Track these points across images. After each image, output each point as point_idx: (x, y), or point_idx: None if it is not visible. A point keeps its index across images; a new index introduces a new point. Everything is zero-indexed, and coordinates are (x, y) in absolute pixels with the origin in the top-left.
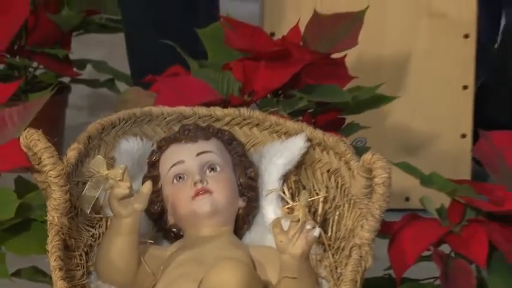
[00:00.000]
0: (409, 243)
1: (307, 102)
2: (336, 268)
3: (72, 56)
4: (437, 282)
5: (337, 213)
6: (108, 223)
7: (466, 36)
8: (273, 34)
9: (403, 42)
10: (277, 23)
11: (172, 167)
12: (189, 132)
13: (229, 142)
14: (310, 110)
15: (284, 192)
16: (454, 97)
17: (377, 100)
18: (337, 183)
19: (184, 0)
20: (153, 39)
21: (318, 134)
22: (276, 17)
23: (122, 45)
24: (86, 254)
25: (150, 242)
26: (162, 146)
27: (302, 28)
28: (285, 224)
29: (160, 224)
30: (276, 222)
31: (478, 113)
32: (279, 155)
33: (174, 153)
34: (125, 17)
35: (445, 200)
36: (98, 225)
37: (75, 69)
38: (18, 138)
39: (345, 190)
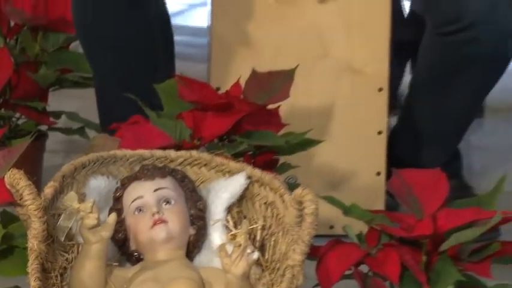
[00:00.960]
0: (333, 264)
1: (247, 145)
2: (272, 285)
3: (49, 108)
4: None
5: (273, 239)
6: (80, 249)
7: (380, 89)
8: (218, 89)
9: (328, 95)
10: (221, 80)
11: (133, 201)
12: (148, 172)
13: (182, 179)
14: (249, 152)
15: (228, 222)
16: (371, 141)
17: (306, 143)
18: (273, 214)
19: (146, 61)
20: (118, 94)
21: (256, 172)
22: (220, 74)
23: (92, 99)
24: (61, 275)
25: (115, 264)
26: (125, 183)
27: (243, 84)
28: (229, 248)
29: (124, 249)
30: (222, 247)
31: (390, 154)
32: (223, 190)
33: (135, 190)
34: (94, 75)
35: (363, 228)
36: (71, 251)
37: (51, 119)
38: (3, 177)
39: (279, 219)
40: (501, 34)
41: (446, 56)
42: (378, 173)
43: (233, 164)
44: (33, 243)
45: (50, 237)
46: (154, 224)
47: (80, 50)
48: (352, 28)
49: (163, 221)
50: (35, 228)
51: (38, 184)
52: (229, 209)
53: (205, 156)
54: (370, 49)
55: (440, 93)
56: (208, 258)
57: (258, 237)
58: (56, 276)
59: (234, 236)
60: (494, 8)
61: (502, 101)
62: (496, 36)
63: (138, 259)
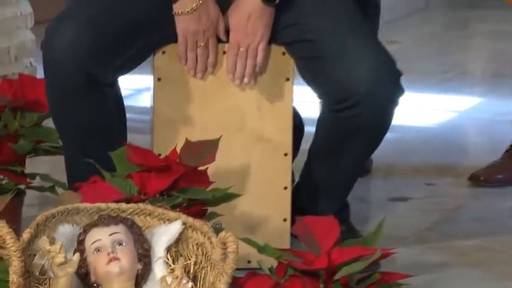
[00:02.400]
0: None
1: (182, 199)
2: None
3: (26, 171)
4: None
5: (203, 272)
6: (51, 282)
7: (286, 154)
8: (159, 155)
9: (245, 159)
10: (162, 148)
11: (93, 243)
12: (104, 220)
13: (131, 226)
14: (184, 204)
15: (168, 259)
16: (278, 194)
17: (228, 197)
18: (203, 252)
19: (103, 134)
20: (81, 160)
21: (190, 220)
22: (161, 144)
23: (60, 164)
24: None
25: None
26: (86, 229)
27: (179, 150)
28: (169, 280)
29: (86, 281)
30: (163, 279)
31: (294, 205)
32: (164, 234)
33: (94, 234)
34: (63, 145)
35: (274, 262)
36: (44, 283)
37: (28, 180)
38: None
39: (208, 257)
40: (382, 109)
41: (337, 127)
42: (285, 219)
43: (171, 214)
44: (14, 277)
45: (27, 272)
46: (110, 261)
47: (51, 125)
48: (263, 107)
49: (116, 259)
50: (15, 266)
51: (17, 231)
52: (168, 249)
53: (149, 207)
54: (277, 123)
55: (332, 157)
56: None
57: (191, 271)
58: None
59: (172, 270)
60: (377, 89)
61: (380, 160)
62: (378, 111)
63: None
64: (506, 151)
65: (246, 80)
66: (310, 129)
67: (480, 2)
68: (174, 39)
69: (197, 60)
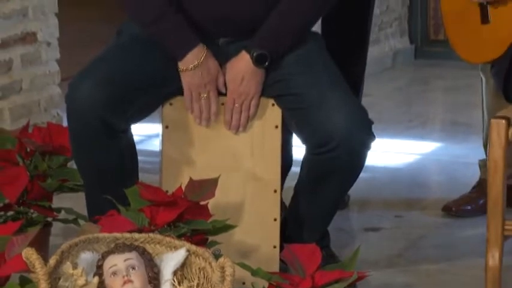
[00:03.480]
0: None
1: (187, 229)
2: None
3: (53, 206)
4: None
5: None
6: None
7: (275, 191)
8: (167, 191)
9: (239, 195)
10: (169, 186)
11: (110, 268)
12: (120, 248)
13: (143, 252)
14: (188, 234)
15: (174, 281)
16: (269, 225)
17: (226, 228)
18: (204, 275)
19: (119, 175)
20: (100, 196)
21: (193, 247)
22: (168, 182)
23: (82, 199)
24: None
25: None
26: (104, 256)
27: (183, 188)
28: None
29: None
30: None
31: (282, 233)
32: (171, 259)
33: (111, 260)
34: (84, 184)
35: (265, 284)
36: None
37: (55, 213)
38: (21, 253)
39: (208, 279)
40: (357, 152)
41: (318, 168)
42: (274, 247)
43: (177, 242)
44: None
45: None
46: (124, 283)
47: (74, 166)
48: (255, 150)
49: (130, 281)
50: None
51: (45, 257)
52: (174, 273)
53: (158, 237)
54: (267, 164)
55: (314, 193)
56: None
57: None
58: None
59: None
60: (352, 135)
61: (356, 195)
62: (353, 154)
63: None
64: (474, 187)
65: (240, 129)
66: (296, 170)
67: (440, 62)
68: (179, 92)
69: (201, 110)
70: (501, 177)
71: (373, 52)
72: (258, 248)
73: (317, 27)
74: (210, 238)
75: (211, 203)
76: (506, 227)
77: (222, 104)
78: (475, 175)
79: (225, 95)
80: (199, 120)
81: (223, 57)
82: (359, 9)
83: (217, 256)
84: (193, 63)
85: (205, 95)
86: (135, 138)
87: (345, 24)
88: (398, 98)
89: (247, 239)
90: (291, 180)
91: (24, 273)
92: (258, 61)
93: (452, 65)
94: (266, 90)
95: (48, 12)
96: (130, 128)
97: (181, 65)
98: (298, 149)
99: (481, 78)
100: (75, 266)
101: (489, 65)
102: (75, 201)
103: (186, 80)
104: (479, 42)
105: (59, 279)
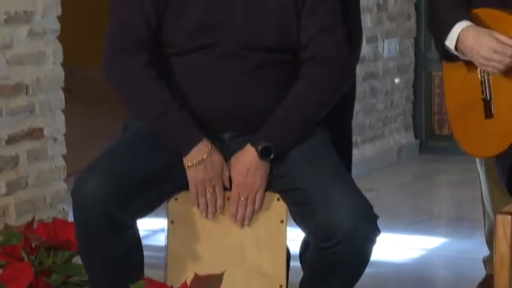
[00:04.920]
0: None
1: None
2: None
3: None
4: None
5: None
6: None
7: (280, 286)
8: (172, 286)
9: None
10: (174, 281)
11: None
12: None
13: None
14: None
15: None
16: None
17: None
18: None
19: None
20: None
21: None
22: (173, 277)
23: None
24: None
25: None
26: None
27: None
28: None
29: None
30: None
31: None
32: None
33: None
34: (89, 279)
35: None
36: None
37: None
38: None
39: None
40: (362, 247)
41: (323, 263)
42: None
43: None
44: None
45: None
46: None
47: (80, 262)
48: (261, 245)
49: None
50: None
51: None
52: None
53: None
54: (273, 259)
55: (321, 285)
56: None
57: None
58: None
59: None
60: (357, 230)
61: None
62: (358, 249)
63: None
64: (480, 283)
65: (246, 222)
66: (298, 264)
67: (444, 157)
68: (185, 187)
69: (207, 204)
70: (508, 273)
71: (378, 147)
72: None
73: None
74: None
75: None
76: None
77: (228, 198)
78: (481, 271)
79: (231, 189)
80: (205, 214)
81: (228, 152)
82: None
83: None
84: (198, 158)
85: (210, 190)
86: (141, 233)
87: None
88: (403, 192)
89: None
90: (296, 275)
91: None
92: (263, 154)
93: (457, 160)
94: (271, 185)
95: (55, 108)
96: (136, 223)
97: (186, 161)
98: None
99: (478, 173)
100: None
101: (486, 159)
102: None
103: (191, 175)
104: (483, 136)
105: None
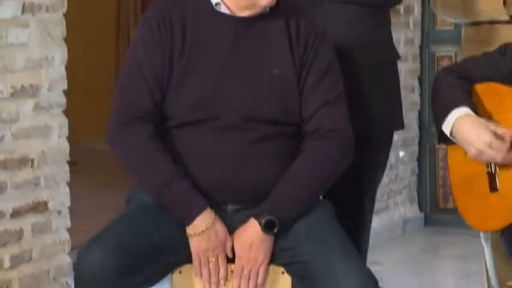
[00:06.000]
0: None
1: None
2: None
3: None
4: None
5: None
6: None
7: None
8: None
9: None
10: None
11: None
12: None
13: None
14: None
15: None
16: None
17: None
18: None
19: None
20: None
21: None
22: None
23: None
24: None
25: None
26: None
27: None
28: None
29: None
30: None
31: None
32: None
33: None
34: None
35: None
36: None
37: None
38: None
39: None
40: None
41: None
42: None
43: None
44: None
45: None
46: None
47: None
48: None
49: None
50: None
51: None
52: None
53: None
54: None
55: None
56: None
57: None
58: None
59: None
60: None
61: None
62: None
63: None
64: None
65: None
66: None
67: (449, 229)
68: (189, 260)
69: (210, 274)
70: None
71: (383, 220)
72: None
73: None
74: None
75: None
76: None
77: (232, 271)
78: None
79: (234, 260)
80: (208, 284)
81: (231, 225)
82: (352, 174)
83: None
84: (202, 228)
85: (213, 260)
86: None
87: (337, 189)
88: (408, 266)
89: None
90: None
91: None
92: (266, 228)
93: (462, 233)
94: (274, 258)
95: (60, 181)
96: None
97: (190, 230)
98: None
99: (483, 247)
100: None
101: (491, 233)
102: None
103: (194, 244)
104: (488, 210)
105: None
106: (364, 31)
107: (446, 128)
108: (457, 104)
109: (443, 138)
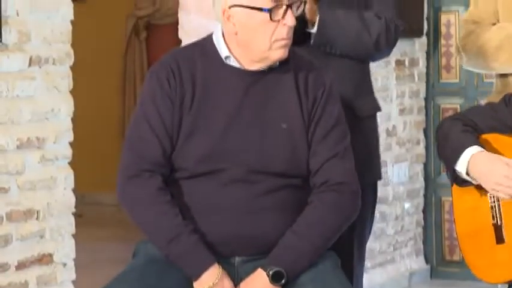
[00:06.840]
0: None
1: None
2: None
3: None
4: None
5: None
6: None
7: None
8: None
9: None
10: None
11: None
12: None
13: None
14: None
15: None
16: None
17: None
18: None
19: None
20: None
21: None
22: None
23: None
24: None
25: None
26: None
27: None
28: None
29: None
30: None
31: None
32: None
33: None
34: None
35: None
36: None
37: None
38: None
39: None
40: None
41: None
42: None
43: None
44: None
45: None
46: None
47: None
48: None
49: None
50: None
51: None
52: None
53: None
54: None
55: None
56: None
57: None
58: None
59: None
60: None
61: None
62: None
63: None
64: None
65: None
66: None
67: (456, 282)
68: None
69: None
70: None
71: (389, 272)
72: None
73: None
74: None
75: None
76: None
77: None
78: None
79: None
80: None
81: (237, 276)
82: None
83: None
84: (209, 283)
85: None
86: None
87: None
88: None
89: None
90: None
91: None
92: (274, 279)
93: (468, 285)
94: None
95: (65, 234)
96: None
97: (197, 285)
98: None
99: None
100: None
101: (501, 285)
102: None
103: None
104: (495, 262)
105: None
106: (348, 84)
107: (461, 167)
108: (468, 144)
109: (457, 181)
